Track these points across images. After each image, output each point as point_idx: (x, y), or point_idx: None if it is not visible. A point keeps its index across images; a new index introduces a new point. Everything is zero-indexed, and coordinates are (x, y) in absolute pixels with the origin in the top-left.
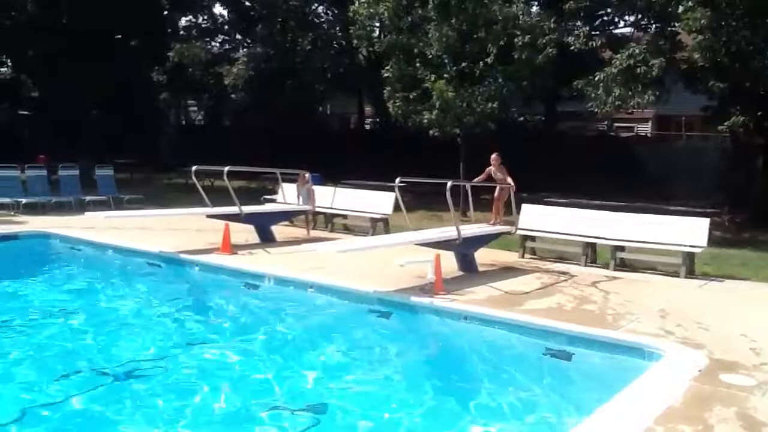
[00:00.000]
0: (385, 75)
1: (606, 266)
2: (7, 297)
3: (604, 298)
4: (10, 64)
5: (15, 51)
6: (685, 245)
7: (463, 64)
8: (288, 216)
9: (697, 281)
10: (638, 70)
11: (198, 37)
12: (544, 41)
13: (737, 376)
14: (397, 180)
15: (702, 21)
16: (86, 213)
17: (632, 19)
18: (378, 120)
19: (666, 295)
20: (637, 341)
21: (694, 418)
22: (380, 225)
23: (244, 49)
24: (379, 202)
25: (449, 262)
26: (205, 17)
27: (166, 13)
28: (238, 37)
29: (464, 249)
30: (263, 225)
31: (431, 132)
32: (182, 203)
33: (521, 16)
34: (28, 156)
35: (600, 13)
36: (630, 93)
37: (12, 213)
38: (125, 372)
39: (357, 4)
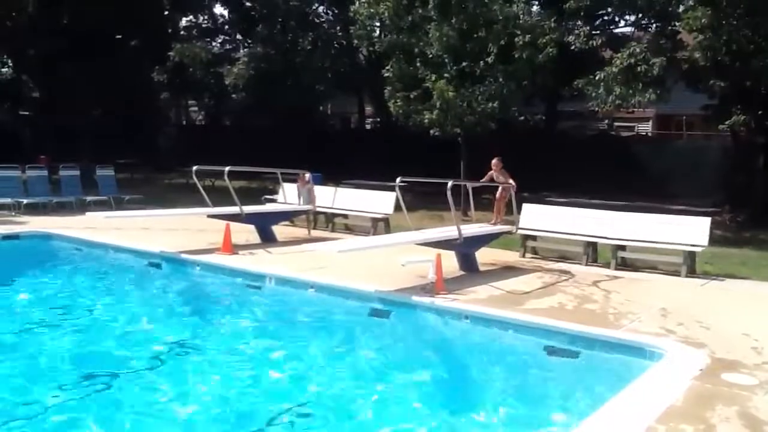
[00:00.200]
0: (386, 75)
1: (607, 265)
2: (7, 297)
3: (605, 298)
4: (11, 64)
5: (16, 51)
6: (686, 244)
7: (464, 64)
8: (289, 216)
9: (699, 280)
10: (639, 69)
11: (198, 37)
12: (544, 41)
13: (739, 375)
14: (398, 180)
15: (703, 20)
16: (87, 213)
17: (633, 18)
18: (379, 120)
19: (667, 294)
20: (638, 340)
21: (696, 417)
22: (381, 225)
23: (245, 49)
24: (380, 201)
25: (450, 262)
26: (206, 17)
27: (166, 13)
28: (239, 37)
29: (465, 248)
30: (264, 225)
31: (432, 132)
32: (183, 203)
33: (522, 16)
34: (29, 156)
35: (600, 12)
36: (631, 92)
37: (13, 213)
38: (120, 372)
39: (357, 3)
